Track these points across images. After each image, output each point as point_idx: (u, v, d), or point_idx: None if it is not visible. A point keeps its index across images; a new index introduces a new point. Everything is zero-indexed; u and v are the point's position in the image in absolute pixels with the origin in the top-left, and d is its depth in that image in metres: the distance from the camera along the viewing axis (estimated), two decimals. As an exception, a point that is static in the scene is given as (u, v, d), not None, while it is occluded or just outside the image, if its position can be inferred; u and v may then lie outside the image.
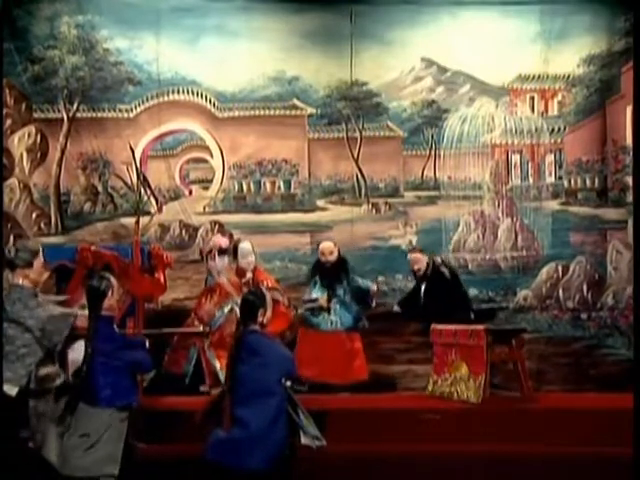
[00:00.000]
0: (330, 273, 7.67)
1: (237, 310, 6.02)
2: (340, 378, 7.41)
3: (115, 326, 5.07)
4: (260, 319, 4.95)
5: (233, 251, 7.57)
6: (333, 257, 7.72)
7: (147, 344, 5.25)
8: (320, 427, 5.11)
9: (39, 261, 4.96)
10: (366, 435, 5.98)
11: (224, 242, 7.62)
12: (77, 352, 4.86)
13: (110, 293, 4.92)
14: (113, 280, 5.02)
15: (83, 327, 4.92)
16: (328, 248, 7.78)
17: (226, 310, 7.21)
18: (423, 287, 7.53)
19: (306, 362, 7.14)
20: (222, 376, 6.76)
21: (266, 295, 5.14)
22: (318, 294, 7.64)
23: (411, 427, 6.06)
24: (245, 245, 7.60)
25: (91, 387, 4.71)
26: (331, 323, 7.60)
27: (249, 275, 7.44)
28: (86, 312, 4.92)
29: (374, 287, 7.81)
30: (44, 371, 4.68)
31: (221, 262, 7.45)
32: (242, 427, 4.67)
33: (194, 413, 5.16)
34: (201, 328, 7.14)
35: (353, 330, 7.65)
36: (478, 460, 5.78)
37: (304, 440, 4.96)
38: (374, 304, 7.80)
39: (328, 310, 7.58)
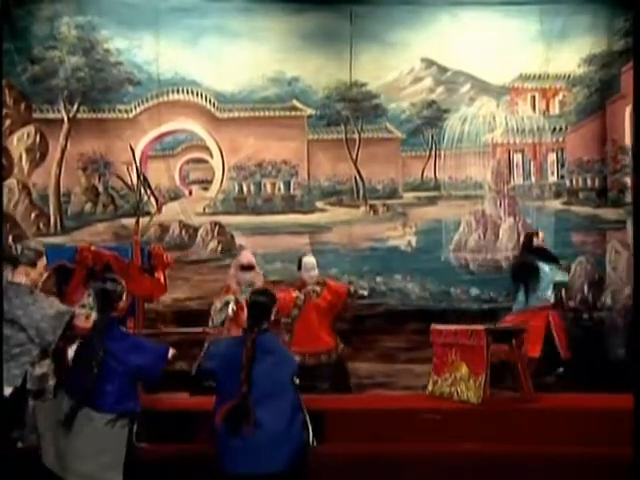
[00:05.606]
0: None
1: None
2: None
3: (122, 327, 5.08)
4: (272, 317, 4.99)
5: (298, 264, 7.52)
6: None
7: (170, 353, 4.98)
8: (320, 427, 5.12)
9: (42, 262, 4.99)
10: (366, 435, 5.96)
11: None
12: (77, 352, 4.86)
13: (124, 297, 4.96)
14: (124, 283, 5.05)
15: (83, 327, 4.93)
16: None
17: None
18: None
19: None
20: None
21: (275, 294, 5.18)
22: None
23: (411, 427, 6.04)
24: (309, 259, 7.51)
25: (95, 391, 4.68)
26: None
27: (309, 287, 7.37)
28: (82, 311, 4.93)
29: None
30: (39, 371, 4.68)
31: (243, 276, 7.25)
32: (262, 430, 4.63)
33: (194, 414, 5.15)
34: (200, 329, 7.12)
35: None
36: (478, 460, 5.75)
37: (310, 440, 4.97)
38: None
39: None
